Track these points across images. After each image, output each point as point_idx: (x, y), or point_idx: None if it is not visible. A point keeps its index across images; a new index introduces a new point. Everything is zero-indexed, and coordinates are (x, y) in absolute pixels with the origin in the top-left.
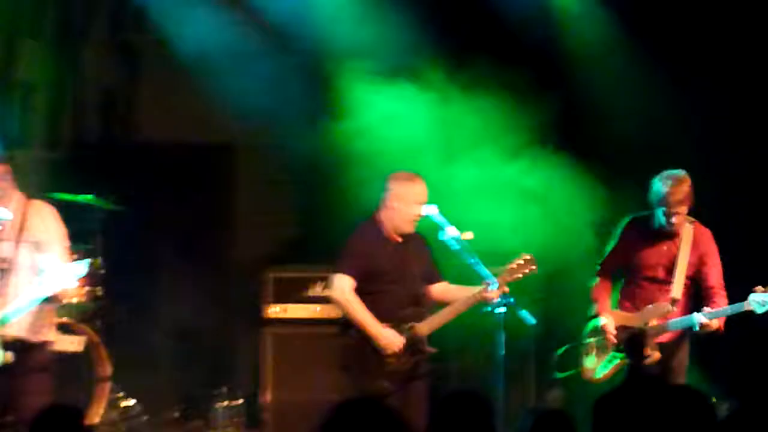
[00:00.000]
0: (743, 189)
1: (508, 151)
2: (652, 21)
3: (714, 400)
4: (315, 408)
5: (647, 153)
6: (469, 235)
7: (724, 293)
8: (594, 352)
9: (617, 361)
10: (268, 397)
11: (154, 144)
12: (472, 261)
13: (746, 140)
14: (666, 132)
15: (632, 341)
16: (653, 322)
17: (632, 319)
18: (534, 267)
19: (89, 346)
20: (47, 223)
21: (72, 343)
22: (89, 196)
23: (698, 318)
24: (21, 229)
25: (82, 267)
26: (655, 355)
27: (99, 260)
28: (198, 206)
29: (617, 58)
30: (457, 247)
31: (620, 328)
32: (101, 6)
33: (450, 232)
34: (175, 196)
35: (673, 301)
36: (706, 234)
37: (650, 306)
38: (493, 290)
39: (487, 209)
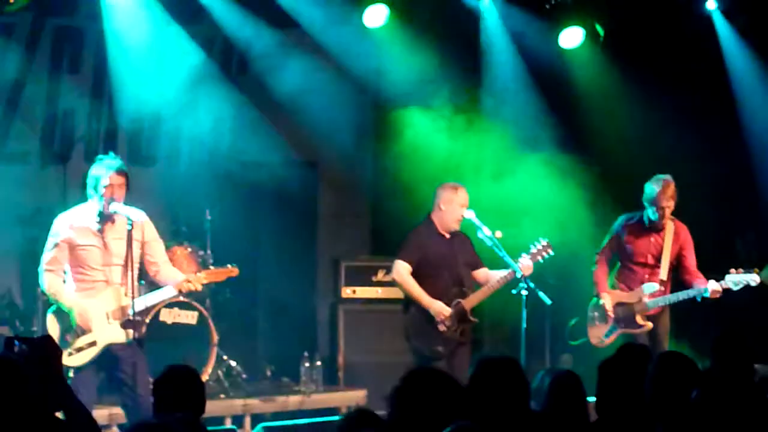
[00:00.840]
0: (708, 194)
1: (527, 167)
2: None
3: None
4: (378, 368)
5: (636, 164)
6: (498, 234)
7: (700, 274)
8: (597, 324)
9: (616, 331)
10: (341, 360)
11: (260, 162)
12: (501, 254)
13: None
14: (651, 146)
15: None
16: (645, 299)
17: (628, 297)
18: (551, 250)
19: (201, 319)
20: (149, 227)
21: (188, 317)
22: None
23: (712, 286)
24: (131, 230)
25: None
26: (647, 325)
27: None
28: (291, 210)
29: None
30: (489, 243)
31: (617, 305)
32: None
33: (485, 232)
34: (273, 202)
35: (662, 282)
36: (684, 229)
37: (643, 285)
38: (519, 273)
39: (513, 216)
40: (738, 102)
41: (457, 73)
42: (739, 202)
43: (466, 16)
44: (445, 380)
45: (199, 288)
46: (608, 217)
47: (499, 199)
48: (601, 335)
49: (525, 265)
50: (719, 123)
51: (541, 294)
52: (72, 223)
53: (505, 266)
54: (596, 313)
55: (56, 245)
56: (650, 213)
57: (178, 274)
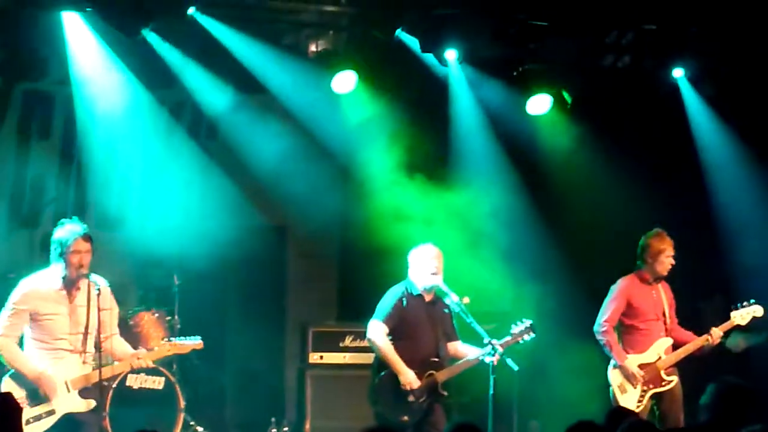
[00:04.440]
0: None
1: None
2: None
3: None
4: None
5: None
6: (466, 300)
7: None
8: (627, 390)
9: (647, 393)
10: (308, 425)
11: (229, 227)
12: (469, 320)
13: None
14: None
15: None
16: (663, 355)
17: (646, 357)
18: (533, 333)
19: (168, 384)
20: (108, 295)
21: (154, 382)
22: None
23: (715, 333)
24: (95, 298)
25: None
26: (674, 380)
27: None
28: (259, 275)
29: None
30: (457, 309)
31: (639, 367)
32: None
33: (452, 298)
34: (242, 267)
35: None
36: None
37: (657, 342)
38: (495, 354)
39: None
40: (704, 167)
41: (425, 138)
42: (705, 265)
43: (435, 82)
44: None
45: (150, 365)
46: (577, 282)
47: (468, 264)
48: (634, 401)
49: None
50: (686, 187)
51: (508, 360)
52: (36, 291)
53: (472, 333)
54: (622, 380)
55: (15, 312)
56: (655, 267)
57: (128, 348)
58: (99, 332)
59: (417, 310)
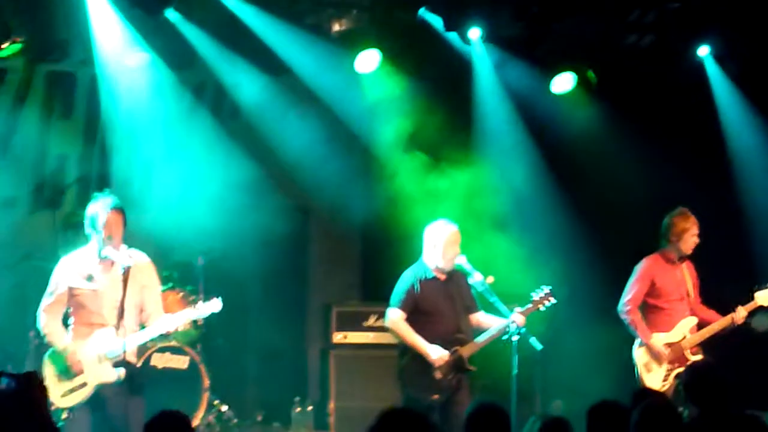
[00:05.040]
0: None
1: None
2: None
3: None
4: (368, 413)
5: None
6: (490, 280)
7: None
8: (653, 369)
9: (671, 371)
10: (332, 405)
11: (251, 208)
12: (493, 299)
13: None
14: (642, 190)
15: None
16: (689, 334)
17: (672, 336)
18: (552, 299)
19: (192, 364)
20: (150, 271)
21: (179, 362)
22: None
23: (740, 312)
24: (127, 273)
25: (196, 312)
26: (699, 358)
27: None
28: (282, 256)
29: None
30: (481, 288)
31: (665, 346)
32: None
33: (476, 277)
34: (265, 248)
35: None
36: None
37: (682, 321)
38: (518, 321)
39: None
40: (728, 146)
41: (448, 117)
42: (729, 244)
43: (458, 61)
44: (418, 421)
45: (188, 327)
46: (599, 262)
47: (491, 245)
48: (659, 380)
49: (518, 320)
50: (709, 167)
51: (532, 339)
52: (73, 268)
53: (496, 311)
54: (648, 359)
55: (56, 289)
56: (680, 246)
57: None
58: (129, 306)
59: (432, 291)
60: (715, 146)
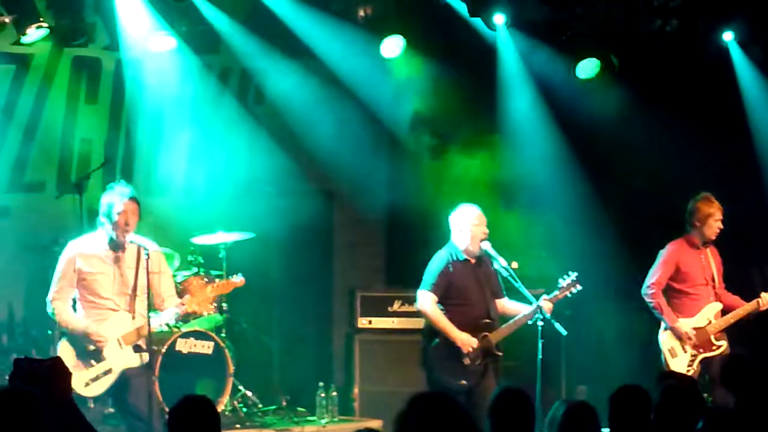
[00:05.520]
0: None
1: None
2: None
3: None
4: (393, 398)
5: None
6: (515, 265)
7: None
8: (678, 354)
9: (696, 357)
10: (356, 390)
11: (276, 192)
12: (518, 285)
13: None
14: (667, 175)
15: None
16: (713, 320)
17: (697, 321)
18: (579, 285)
19: (217, 349)
20: (161, 258)
21: (204, 347)
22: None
23: (765, 298)
24: (143, 259)
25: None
26: (723, 345)
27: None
28: (306, 240)
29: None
30: (505, 274)
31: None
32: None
33: (501, 262)
34: (289, 232)
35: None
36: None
37: (707, 306)
38: (546, 309)
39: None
40: (753, 132)
41: (472, 101)
42: (755, 232)
43: (482, 45)
44: (450, 405)
45: (196, 310)
46: (624, 248)
47: (515, 229)
48: (684, 365)
49: (546, 307)
50: (734, 151)
51: (557, 325)
52: (81, 252)
53: (520, 296)
54: (673, 343)
55: (64, 274)
56: (704, 231)
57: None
58: (142, 293)
59: (464, 274)
60: (740, 131)
